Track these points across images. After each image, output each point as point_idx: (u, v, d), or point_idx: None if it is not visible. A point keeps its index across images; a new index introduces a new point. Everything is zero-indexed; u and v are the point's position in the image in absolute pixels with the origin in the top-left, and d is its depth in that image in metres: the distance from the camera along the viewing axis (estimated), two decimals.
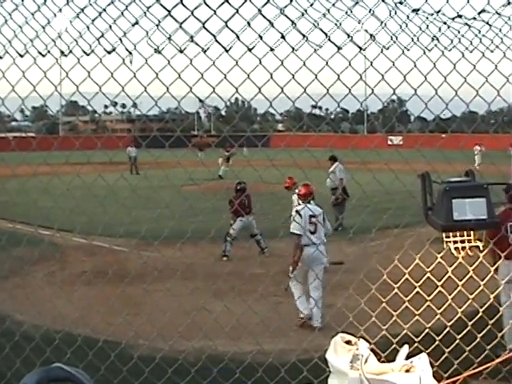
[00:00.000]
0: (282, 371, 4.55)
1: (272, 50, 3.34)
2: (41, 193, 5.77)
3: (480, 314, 4.32)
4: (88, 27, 3.47)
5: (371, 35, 3.47)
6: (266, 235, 14.70)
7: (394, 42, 3.51)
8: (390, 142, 65.88)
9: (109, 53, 3.42)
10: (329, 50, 3.51)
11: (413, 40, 3.57)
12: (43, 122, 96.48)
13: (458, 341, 4.10)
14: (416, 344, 3.53)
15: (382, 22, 3.46)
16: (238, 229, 14.58)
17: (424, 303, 4.33)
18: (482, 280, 4.39)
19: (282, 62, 3.52)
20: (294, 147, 4.89)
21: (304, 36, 3.34)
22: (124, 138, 53.95)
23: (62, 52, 3.61)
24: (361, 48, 3.54)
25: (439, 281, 4.33)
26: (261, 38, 3.31)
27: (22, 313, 8.63)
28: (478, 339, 4.17)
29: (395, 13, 3.50)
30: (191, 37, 3.27)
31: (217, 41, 3.29)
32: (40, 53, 3.63)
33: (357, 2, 3.38)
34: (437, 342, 4.14)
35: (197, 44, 3.28)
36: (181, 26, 3.28)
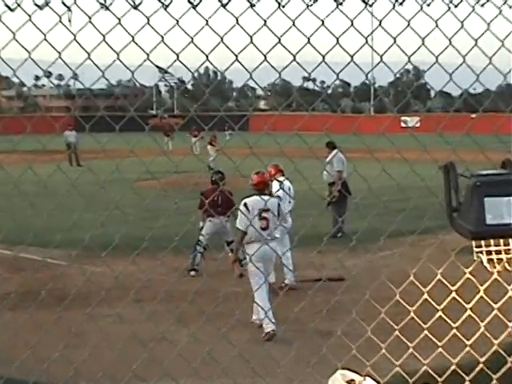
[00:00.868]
0: None
1: (252, 6, 3.32)
2: None
3: None
4: None
5: None
6: None
7: None
8: (403, 124, 66.38)
9: (40, 8, 3.38)
10: (325, 5, 3.49)
11: None
12: None
13: (494, 381, 4.10)
14: None
15: None
16: (209, 233, 14.48)
17: (449, 332, 4.33)
18: None
19: (265, 22, 3.50)
20: (281, 131, 4.89)
21: None
22: (61, 119, 53.84)
23: None
24: (366, 3, 3.53)
25: (468, 303, 4.33)
26: None
27: None
28: None
29: None
30: None
31: None
32: None
33: None
34: (467, 383, 4.15)
35: None
36: None
